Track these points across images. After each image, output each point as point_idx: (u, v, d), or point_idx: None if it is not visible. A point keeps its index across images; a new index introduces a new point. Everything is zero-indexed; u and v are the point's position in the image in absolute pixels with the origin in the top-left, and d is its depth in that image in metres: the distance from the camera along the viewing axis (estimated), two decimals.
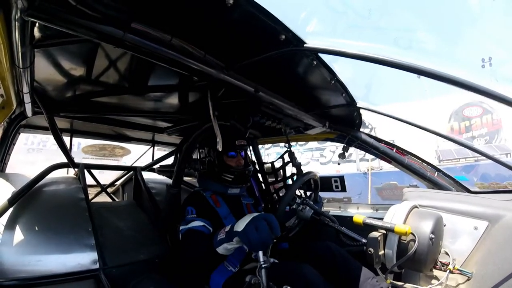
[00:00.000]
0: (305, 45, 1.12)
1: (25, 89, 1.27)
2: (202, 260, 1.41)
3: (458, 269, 1.20)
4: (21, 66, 1.06)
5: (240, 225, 1.22)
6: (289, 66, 1.38)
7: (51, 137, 1.97)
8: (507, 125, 11.74)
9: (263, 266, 1.18)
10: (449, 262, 1.24)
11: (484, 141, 12.08)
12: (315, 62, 1.29)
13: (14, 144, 2.02)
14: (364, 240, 1.29)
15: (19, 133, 2.02)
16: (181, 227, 1.58)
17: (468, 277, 1.18)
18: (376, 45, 1.10)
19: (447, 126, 12.63)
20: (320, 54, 1.26)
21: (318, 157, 14.49)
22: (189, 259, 1.45)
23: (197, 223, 1.55)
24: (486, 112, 12.43)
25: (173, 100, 1.94)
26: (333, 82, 1.48)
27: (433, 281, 1.25)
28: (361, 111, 1.93)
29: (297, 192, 1.68)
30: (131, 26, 0.90)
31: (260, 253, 1.20)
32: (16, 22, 0.82)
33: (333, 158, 13.76)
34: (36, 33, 1.03)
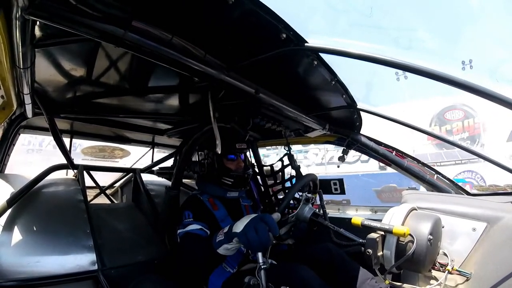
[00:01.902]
0: (306, 44, 1.12)
1: (26, 90, 1.28)
2: (199, 262, 1.41)
3: (456, 270, 1.20)
4: (21, 67, 1.06)
5: (239, 226, 1.23)
6: (290, 67, 1.38)
7: (48, 138, 1.97)
8: (489, 129, 11.62)
9: (262, 267, 1.17)
10: (448, 263, 1.24)
11: (466, 144, 12.02)
12: (315, 62, 1.29)
13: (14, 145, 2.02)
14: (361, 240, 1.29)
15: (19, 134, 2.02)
16: (178, 231, 1.58)
17: (467, 277, 1.18)
18: (378, 46, 1.11)
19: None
20: (321, 54, 1.26)
21: (302, 159, 14.45)
22: (186, 262, 1.46)
23: (194, 226, 1.55)
24: (468, 115, 12.33)
25: (174, 101, 1.95)
26: (333, 82, 1.48)
27: (432, 281, 1.25)
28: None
29: (296, 195, 1.68)
30: (132, 25, 0.91)
31: (259, 254, 1.20)
32: (17, 21, 0.82)
33: (315, 160, 13.72)
34: (37, 32, 1.04)
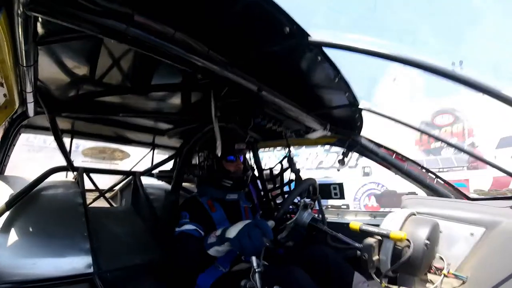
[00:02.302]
0: (309, 38, 1.10)
1: (28, 88, 1.28)
2: (192, 261, 1.42)
3: (452, 273, 1.21)
4: (24, 65, 1.07)
5: (232, 232, 1.23)
6: (293, 62, 1.36)
7: (50, 137, 1.96)
8: (478, 135, 11.40)
9: (257, 270, 1.17)
10: (444, 267, 1.24)
11: (453, 150, 11.67)
12: (319, 58, 1.26)
13: (14, 145, 2.03)
14: (357, 244, 1.29)
15: (20, 134, 2.03)
16: (176, 229, 1.59)
17: (463, 281, 1.18)
18: (383, 41, 1.06)
19: (417, 135, 12.19)
20: (325, 49, 1.23)
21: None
22: (180, 260, 1.47)
23: (188, 226, 1.57)
24: (458, 120, 12.15)
25: (176, 100, 1.95)
26: (337, 80, 1.46)
27: (428, 285, 1.25)
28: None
29: (296, 200, 1.68)
30: (134, 19, 0.91)
31: (254, 257, 1.20)
32: (19, 18, 0.83)
33: (305, 165, 13.60)
34: (39, 29, 1.04)
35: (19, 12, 0.80)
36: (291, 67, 1.42)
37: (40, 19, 0.98)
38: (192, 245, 1.44)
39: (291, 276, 1.37)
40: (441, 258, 1.29)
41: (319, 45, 1.18)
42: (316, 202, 1.73)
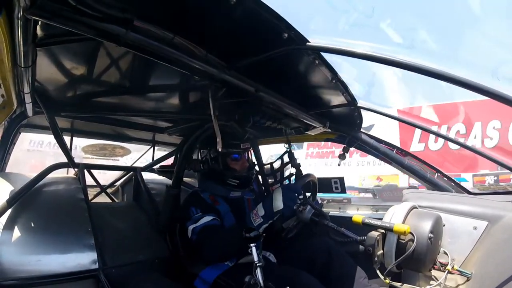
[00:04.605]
0: (307, 43, 1.12)
1: (26, 89, 1.27)
2: (229, 248, 1.50)
3: (457, 269, 1.21)
4: (22, 66, 1.06)
5: (279, 204, 1.44)
6: (291, 65, 1.38)
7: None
8: None
9: (257, 265, 1.19)
10: (448, 262, 1.24)
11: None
12: (317, 61, 1.29)
13: (14, 144, 2.02)
14: (359, 238, 1.29)
15: (20, 133, 2.02)
16: (192, 226, 1.60)
17: (467, 277, 1.18)
18: (380, 45, 1.10)
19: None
20: (322, 53, 1.26)
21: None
22: (216, 250, 1.52)
23: (208, 218, 1.60)
24: None
25: (174, 100, 1.95)
26: (334, 81, 1.48)
27: (432, 281, 1.25)
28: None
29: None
30: (133, 24, 0.90)
31: (254, 251, 1.22)
32: (19, 21, 0.82)
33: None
34: (39, 31, 1.03)
35: (19, 15, 0.79)
36: (289, 70, 1.44)
37: (40, 22, 0.97)
38: (226, 232, 1.56)
39: (301, 279, 1.40)
40: (446, 253, 1.29)
41: (317, 50, 1.21)
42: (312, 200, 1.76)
